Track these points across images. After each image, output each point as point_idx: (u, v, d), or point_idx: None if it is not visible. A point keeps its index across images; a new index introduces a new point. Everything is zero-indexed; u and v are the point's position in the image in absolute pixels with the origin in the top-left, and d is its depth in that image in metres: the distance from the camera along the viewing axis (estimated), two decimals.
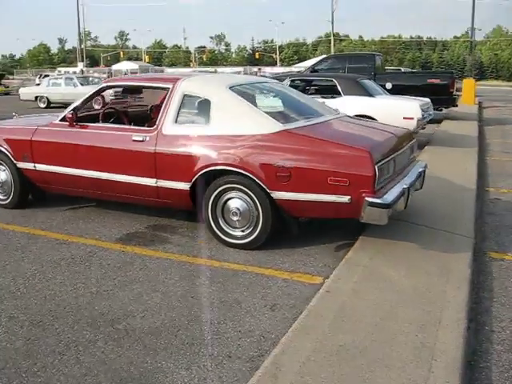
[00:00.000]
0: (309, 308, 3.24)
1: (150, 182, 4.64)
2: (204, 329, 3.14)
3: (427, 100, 9.85)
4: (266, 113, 4.43)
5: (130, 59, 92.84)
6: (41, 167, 5.25)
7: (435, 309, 3.26)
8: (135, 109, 6.07)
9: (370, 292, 3.47)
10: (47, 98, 21.49)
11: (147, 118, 5.60)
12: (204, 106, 4.56)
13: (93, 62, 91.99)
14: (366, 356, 2.71)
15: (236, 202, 4.36)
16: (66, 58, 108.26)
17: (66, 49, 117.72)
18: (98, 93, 5.31)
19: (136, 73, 55.49)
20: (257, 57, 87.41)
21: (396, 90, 11.49)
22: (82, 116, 5.29)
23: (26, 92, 22.98)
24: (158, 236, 4.80)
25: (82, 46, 60.25)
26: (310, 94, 10.05)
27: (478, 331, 3.26)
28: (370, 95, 9.07)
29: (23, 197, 5.59)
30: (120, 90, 5.71)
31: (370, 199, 3.84)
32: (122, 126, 5.04)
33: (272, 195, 4.15)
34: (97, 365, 2.78)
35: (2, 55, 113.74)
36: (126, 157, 4.72)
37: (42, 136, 5.22)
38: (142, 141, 4.64)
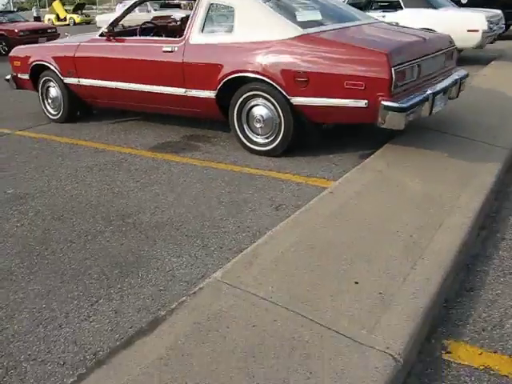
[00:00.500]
0: (307, 206, 3.26)
1: (179, 91, 4.73)
2: (205, 224, 3.27)
3: (497, 12, 9.01)
4: (290, 17, 4.29)
5: None
6: (84, 81, 5.50)
7: (442, 213, 3.16)
8: (172, 23, 6.10)
9: (375, 195, 3.41)
10: (122, 25, 21.81)
11: (181, 30, 5.62)
12: (228, 14, 4.50)
13: None
14: (349, 251, 2.72)
15: (259, 109, 4.36)
16: None
17: None
18: (134, 7, 5.38)
19: None
20: None
21: (473, 5, 10.59)
22: (122, 31, 5.41)
23: (102, 19, 23.46)
24: (190, 145, 4.94)
25: None
26: (374, 8, 9.53)
27: (488, 238, 3.14)
28: (433, 7, 8.45)
29: (72, 111, 5.90)
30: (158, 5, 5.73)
31: (386, 103, 3.70)
32: (154, 38, 5.13)
33: (291, 101, 4.10)
34: (99, 251, 3.01)
35: None
36: (157, 67, 4.82)
37: (83, 51, 5.43)
38: (171, 51, 4.69)
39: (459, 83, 4.57)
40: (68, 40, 6.20)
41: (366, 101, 3.78)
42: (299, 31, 4.12)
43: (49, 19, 36.87)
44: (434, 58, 4.31)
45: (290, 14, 4.40)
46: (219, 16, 4.64)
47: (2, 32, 15.90)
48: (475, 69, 7.61)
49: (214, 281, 2.46)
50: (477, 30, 7.82)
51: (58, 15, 37.06)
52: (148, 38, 5.19)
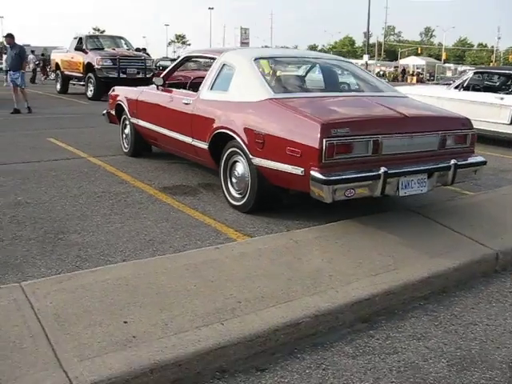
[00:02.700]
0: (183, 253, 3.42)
1: (188, 140, 5.19)
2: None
3: None
4: (274, 81, 4.48)
5: (430, 56, 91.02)
6: (140, 122, 6.30)
7: (304, 292, 3.05)
8: None
9: (259, 260, 3.42)
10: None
11: None
12: (230, 75, 4.86)
13: (392, 56, 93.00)
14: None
15: (238, 165, 4.59)
16: (369, 51, 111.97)
17: (370, 42, 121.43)
18: (181, 63, 6.03)
19: (422, 69, 54.68)
20: None
21: None
22: (174, 83, 6.12)
23: None
24: (194, 190, 5.32)
25: (381, 40, 61.77)
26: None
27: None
28: None
29: (136, 147, 6.72)
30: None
31: (313, 173, 3.66)
32: (182, 91, 5.67)
33: (252, 161, 4.25)
34: None
35: (308, 46, 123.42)
36: (177, 117, 5.37)
37: (142, 96, 6.25)
38: (188, 104, 5.20)
39: (454, 169, 4.19)
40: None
41: (302, 169, 3.78)
42: (269, 95, 4.29)
43: None
44: (411, 138, 4.05)
45: (278, 77, 4.57)
46: (226, 75, 5.01)
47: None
48: None
49: None
50: None
51: None
52: (179, 90, 5.76)
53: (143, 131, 6.34)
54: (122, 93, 6.89)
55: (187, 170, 6.16)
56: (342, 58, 5.76)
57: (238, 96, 4.59)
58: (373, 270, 3.39)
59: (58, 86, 18.72)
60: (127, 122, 6.78)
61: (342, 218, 4.25)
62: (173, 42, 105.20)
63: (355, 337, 2.91)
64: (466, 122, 4.49)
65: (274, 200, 4.42)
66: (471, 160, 4.42)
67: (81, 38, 16.50)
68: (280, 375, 2.55)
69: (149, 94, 6.15)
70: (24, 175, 5.75)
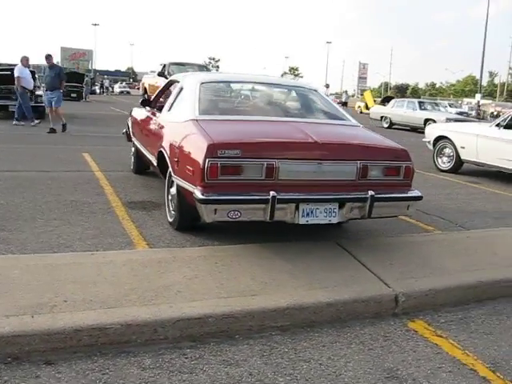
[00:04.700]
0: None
1: (152, 159, 5.44)
2: None
3: None
4: (207, 102, 4.62)
5: None
6: (135, 141, 6.70)
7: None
8: None
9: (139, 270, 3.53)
10: (390, 119, 22.68)
11: None
12: (180, 97, 5.06)
13: None
14: None
15: (173, 183, 4.73)
16: (493, 91, 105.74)
17: (494, 82, 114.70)
18: (167, 87, 6.33)
19: None
20: None
21: None
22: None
23: (375, 111, 24.73)
24: (155, 207, 5.54)
25: (504, 80, 58.27)
26: None
27: None
28: None
29: (137, 165, 7.09)
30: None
31: (196, 191, 3.72)
32: (154, 111, 5.93)
33: (173, 178, 4.40)
34: None
35: (426, 83, 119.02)
36: (147, 136, 5.68)
37: (137, 117, 6.66)
38: (154, 124, 5.49)
39: (370, 201, 4.00)
40: None
41: (193, 187, 3.85)
42: (194, 115, 4.42)
43: (358, 106, 40.41)
44: (320, 165, 3.94)
45: (215, 100, 4.70)
46: (179, 97, 5.20)
47: None
48: None
49: None
50: None
51: (366, 104, 40.24)
52: (152, 110, 6.04)
53: (138, 149, 6.73)
54: (132, 113, 7.37)
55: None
56: (302, 84, 5.69)
57: (175, 116, 4.79)
58: (229, 292, 3.35)
59: None
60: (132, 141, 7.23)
61: (263, 241, 4.24)
62: (285, 73, 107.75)
63: (167, 352, 2.90)
64: (400, 154, 4.25)
65: (193, 219, 4.47)
66: (397, 194, 4.17)
67: (165, 65, 17.57)
68: (60, 371, 2.64)
69: (140, 115, 6.54)
70: (20, 181, 6.35)
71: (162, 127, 5.13)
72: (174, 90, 5.41)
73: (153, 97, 6.47)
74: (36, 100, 14.37)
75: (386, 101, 41.34)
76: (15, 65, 13.58)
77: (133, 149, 7.23)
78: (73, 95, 29.65)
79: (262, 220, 3.82)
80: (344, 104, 38.13)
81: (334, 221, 4.01)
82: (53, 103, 12.20)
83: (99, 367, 2.71)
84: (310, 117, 4.93)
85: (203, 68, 18.85)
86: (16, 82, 12.98)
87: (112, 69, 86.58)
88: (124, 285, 3.30)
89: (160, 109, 5.96)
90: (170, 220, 4.74)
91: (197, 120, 4.35)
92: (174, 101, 5.22)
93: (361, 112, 37.43)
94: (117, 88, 60.61)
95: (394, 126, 22.31)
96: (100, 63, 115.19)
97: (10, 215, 4.88)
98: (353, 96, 68.62)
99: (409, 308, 3.62)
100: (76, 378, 2.60)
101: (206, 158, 3.68)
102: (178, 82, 5.53)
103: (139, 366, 2.76)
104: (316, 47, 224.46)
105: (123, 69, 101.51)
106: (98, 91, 48.14)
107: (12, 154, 8.62)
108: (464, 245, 4.69)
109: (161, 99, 6.37)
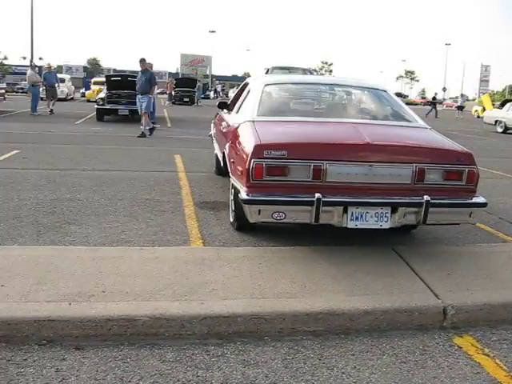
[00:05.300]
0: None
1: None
2: None
3: None
4: (268, 104, 4.62)
5: None
6: (215, 145, 6.88)
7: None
8: None
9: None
10: (505, 124, 21.09)
11: None
12: (246, 98, 5.12)
13: None
14: None
15: None
16: None
17: None
18: (242, 90, 6.38)
19: None
20: None
21: None
22: None
23: (489, 115, 23.16)
24: (225, 206, 5.65)
25: None
26: None
27: None
28: None
29: (217, 166, 7.25)
30: None
31: (242, 191, 3.75)
32: (229, 113, 5.99)
33: (230, 179, 4.47)
34: None
35: None
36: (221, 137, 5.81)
37: (216, 119, 6.84)
38: (224, 125, 5.61)
39: (426, 206, 3.77)
40: None
41: (242, 187, 3.88)
42: (252, 117, 4.43)
43: (476, 110, 38.06)
44: (370, 167, 3.78)
45: (276, 101, 4.69)
46: (246, 99, 5.23)
47: None
48: None
49: None
50: None
51: (484, 108, 37.76)
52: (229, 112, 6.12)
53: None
54: (216, 116, 7.58)
55: None
56: (371, 85, 5.43)
57: (239, 118, 4.84)
58: (264, 293, 3.33)
59: None
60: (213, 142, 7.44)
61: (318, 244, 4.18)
62: (401, 77, 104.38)
63: (191, 347, 2.95)
64: (463, 157, 3.95)
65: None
66: (456, 200, 3.88)
67: (268, 69, 17.79)
68: (86, 356, 2.80)
69: (219, 117, 6.69)
70: (106, 180, 6.80)
71: (228, 129, 5.22)
72: (244, 92, 5.47)
73: (230, 99, 6.59)
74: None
75: (505, 104, 38.60)
76: (124, 71, 14.53)
77: (214, 151, 7.44)
78: (185, 99, 31.08)
79: (307, 223, 3.74)
80: (460, 108, 36.13)
81: (386, 226, 3.82)
82: (143, 107, 12.32)
83: (122, 356, 2.83)
84: (373, 118, 4.75)
85: (307, 72, 18.77)
86: None
87: (229, 74, 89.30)
88: (162, 280, 3.41)
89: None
90: (232, 220, 4.80)
91: (253, 121, 4.36)
92: (242, 103, 5.29)
93: (478, 116, 35.13)
94: (231, 93, 62.57)
95: (508, 131, 20.71)
96: (218, 69, 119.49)
97: (84, 210, 5.25)
98: (474, 100, 64.69)
99: (460, 322, 3.37)
100: (98, 363, 2.74)
101: (251, 158, 3.69)
102: (248, 84, 5.60)
103: (160, 358, 2.84)
104: (434, 49, 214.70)
105: (240, 74, 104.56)
106: (212, 96, 49.89)
107: (110, 154, 9.25)
108: None
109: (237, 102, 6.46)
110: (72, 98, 32.80)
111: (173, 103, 30.41)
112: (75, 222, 4.82)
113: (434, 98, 34.71)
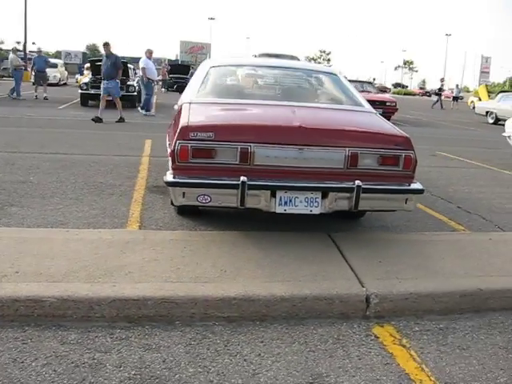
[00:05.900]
0: None
1: None
2: None
3: None
4: (208, 87, 4.54)
5: None
6: None
7: None
8: None
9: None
10: (496, 114, 20.94)
11: None
12: (191, 80, 5.06)
13: None
14: None
15: None
16: None
17: None
18: None
19: None
20: None
21: None
22: None
23: (481, 106, 23.04)
24: None
25: None
26: None
27: None
28: None
29: None
30: None
31: (167, 174, 3.69)
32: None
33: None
34: None
35: None
36: None
37: None
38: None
39: (357, 192, 3.69)
40: None
41: (171, 170, 3.81)
42: (190, 99, 4.35)
43: (471, 101, 37.80)
44: (301, 151, 3.69)
45: (217, 84, 4.61)
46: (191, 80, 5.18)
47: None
48: None
49: None
50: None
51: (479, 99, 37.51)
52: None
53: None
54: None
55: None
56: (320, 68, 5.30)
57: (182, 99, 4.75)
58: (181, 277, 3.27)
59: None
60: None
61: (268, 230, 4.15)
62: (399, 67, 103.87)
63: (97, 330, 2.89)
64: (399, 142, 3.85)
65: None
66: (391, 186, 3.80)
67: (256, 56, 17.59)
68: None
69: None
70: (65, 163, 6.73)
71: (174, 112, 5.15)
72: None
73: None
74: (127, 89, 15.19)
75: None
76: (123, 58, 14.40)
77: None
78: (176, 87, 30.58)
79: (234, 207, 3.67)
80: (455, 99, 35.77)
81: (316, 211, 3.75)
82: (112, 93, 12.18)
83: (23, 337, 2.78)
84: (316, 101, 4.66)
85: (296, 59, 18.53)
86: (142, 73, 13.99)
87: None
88: (80, 261, 3.35)
89: None
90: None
91: (190, 103, 4.28)
92: (188, 85, 5.22)
93: (473, 108, 34.89)
94: (228, 81, 62.19)
95: (500, 122, 20.55)
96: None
97: (32, 193, 5.19)
98: (474, 91, 64.19)
99: (384, 312, 3.30)
100: None
101: (176, 140, 3.62)
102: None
103: (61, 340, 2.78)
104: (435, 40, 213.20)
105: None
106: None
107: (80, 139, 9.18)
108: (480, 247, 4.18)
109: None
110: (65, 84, 32.58)
111: (167, 90, 30.15)
112: (18, 204, 4.76)
113: (439, 90, 34.19)
